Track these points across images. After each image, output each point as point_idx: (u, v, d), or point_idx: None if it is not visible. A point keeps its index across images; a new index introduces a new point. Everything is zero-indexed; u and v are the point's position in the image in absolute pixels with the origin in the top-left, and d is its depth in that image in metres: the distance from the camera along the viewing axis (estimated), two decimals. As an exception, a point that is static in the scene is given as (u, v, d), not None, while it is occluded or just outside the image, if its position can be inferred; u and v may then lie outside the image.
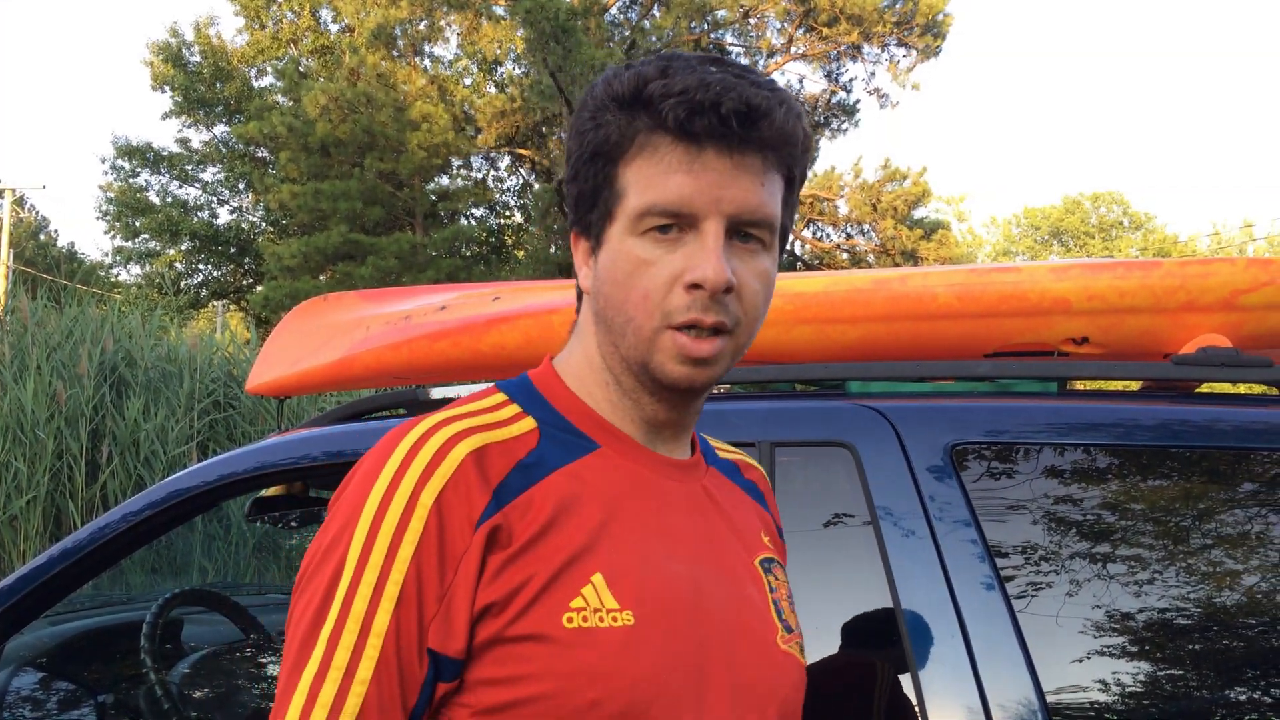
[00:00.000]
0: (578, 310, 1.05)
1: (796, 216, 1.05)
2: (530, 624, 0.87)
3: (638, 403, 0.99)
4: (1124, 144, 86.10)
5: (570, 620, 0.88)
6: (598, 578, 0.90)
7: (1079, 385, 2.42)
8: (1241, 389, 2.22)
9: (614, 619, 0.89)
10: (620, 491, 0.95)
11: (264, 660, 2.74)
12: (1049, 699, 1.46)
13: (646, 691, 0.89)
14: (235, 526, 6.89)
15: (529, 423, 0.96)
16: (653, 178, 0.91)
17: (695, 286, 0.90)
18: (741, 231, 0.93)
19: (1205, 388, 1.95)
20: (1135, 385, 2.08)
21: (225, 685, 2.61)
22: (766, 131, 0.91)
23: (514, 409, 0.97)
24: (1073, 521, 1.60)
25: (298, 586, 0.91)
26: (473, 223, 24.20)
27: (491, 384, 1.03)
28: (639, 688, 0.88)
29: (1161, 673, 1.53)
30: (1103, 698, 1.50)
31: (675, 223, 0.91)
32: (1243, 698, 1.51)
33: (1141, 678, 1.51)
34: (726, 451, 1.18)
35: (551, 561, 0.89)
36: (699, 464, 1.06)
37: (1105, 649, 1.52)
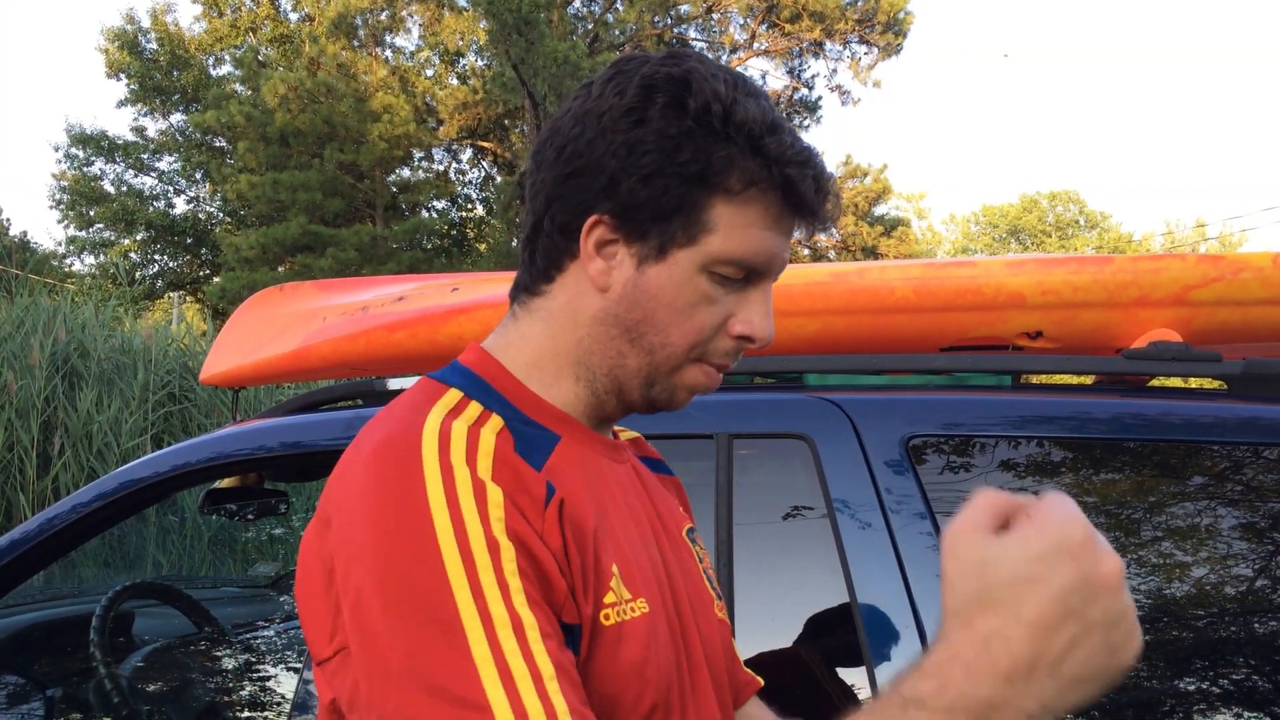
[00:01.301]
0: (530, 288, 0.98)
1: None
2: (588, 618, 0.83)
3: (602, 403, 0.97)
4: (1081, 143, 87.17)
5: (608, 618, 0.84)
6: (614, 568, 0.87)
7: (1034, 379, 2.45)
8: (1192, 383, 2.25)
9: (632, 610, 0.87)
10: (589, 480, 0.92)
11: (217, 654, 2.71)
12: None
13: (669, 680, 0.89)
14: (190, 520, 6.81)
15: (496, 420, 0.89)
16: (748, 230, 0.90)
17: (744, 338, 0.93)
18: None
19: (1156, 382, 1.97)
20: (1088, 379, 2.10)
21: (177, 679, 2.58)
22: (829, 214, 0.94)
23: (477, 406, 0.89)
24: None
25: (363, 611, 0.76)
26: (434, 215, 24.03)
27: (422, 376, 0.96)
28: (666, 677, 0.88)
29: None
30: None
31: (742, 276, 0.92)
32: (1191, 688, 1.53)
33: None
34: (622, 430, 1.17)
35: (591, 548, 0.85)
36: (624, 444, 1.05)
37: None
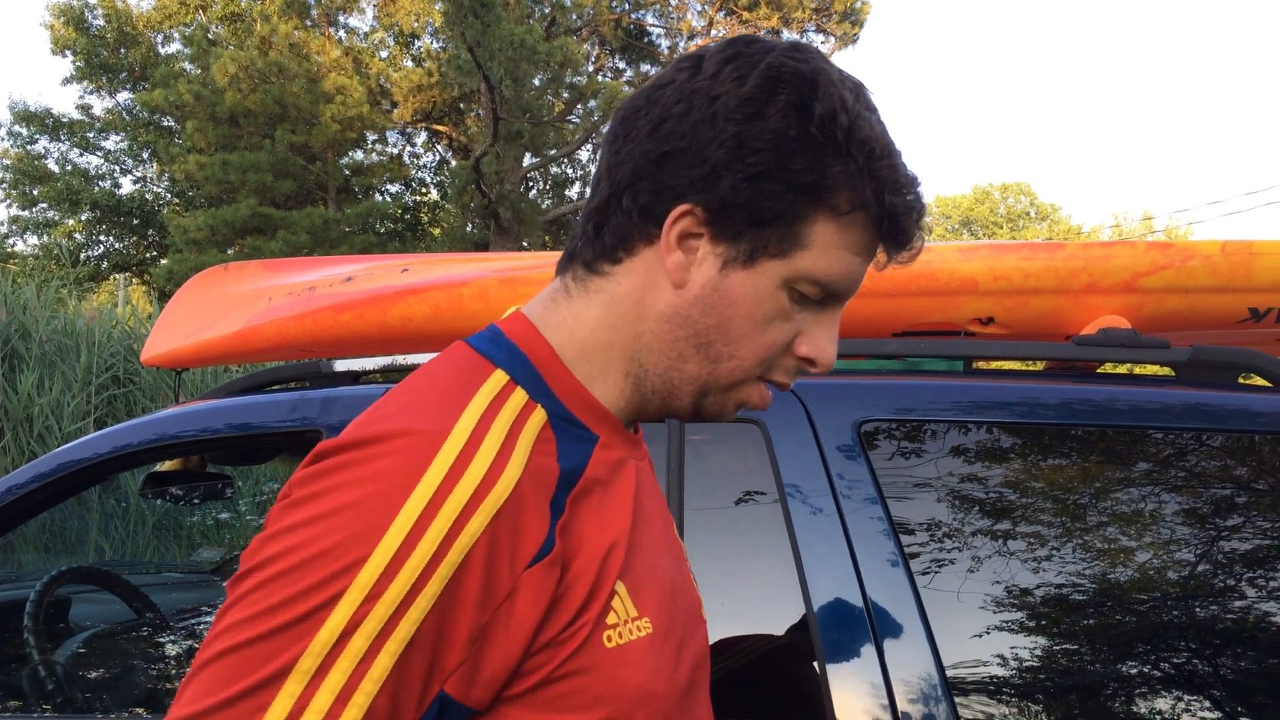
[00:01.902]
0: (591, 268, 0.90)
1: None
2: (581, 656, 0.78)
3: (646, 403, 0.91)
4: (1033, 136, 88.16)
5: (609, 639, 0.80)
6: (620, 586, 0.82)
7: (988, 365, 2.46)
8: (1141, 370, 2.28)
9: (638, 629, 0.82)
10: (616, 485, 0.87)
11: (157, 640, 2.66)
12: (949, 674, 1.48)
13: (671, 701, 0.84)
14: (134, 504, 6.69)
15: (541, 414, 0.83)
16: (841, 252, 0.85)
17: (808, 360, 0.89)
18: None
19: (1106, 368, 1.99)
20: (1039, 365, 2.12)
21: (115, 666, 2.53)
22: (920, 245, 0.90)
23: (522, 395, 0.83)
24: (976, 499, 1.62)
25: (254, 589, 0.72)
26: (388, 199, 23.79)
27: (460, 343, 0.89)
28: (667, 700, 0.83)
29: (1059, 647, 1.55)
30: (1001, 672, 1.52)
31: (824, 297, 0.87)
32: (1134, 671, 1.54)
33: (1039, 652, 1.54)
34: None
35: (591, 580, 0.80)
36: (641, 437, 0.99)
37: (1005, 624, 1.54)
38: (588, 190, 24.70)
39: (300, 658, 0.70)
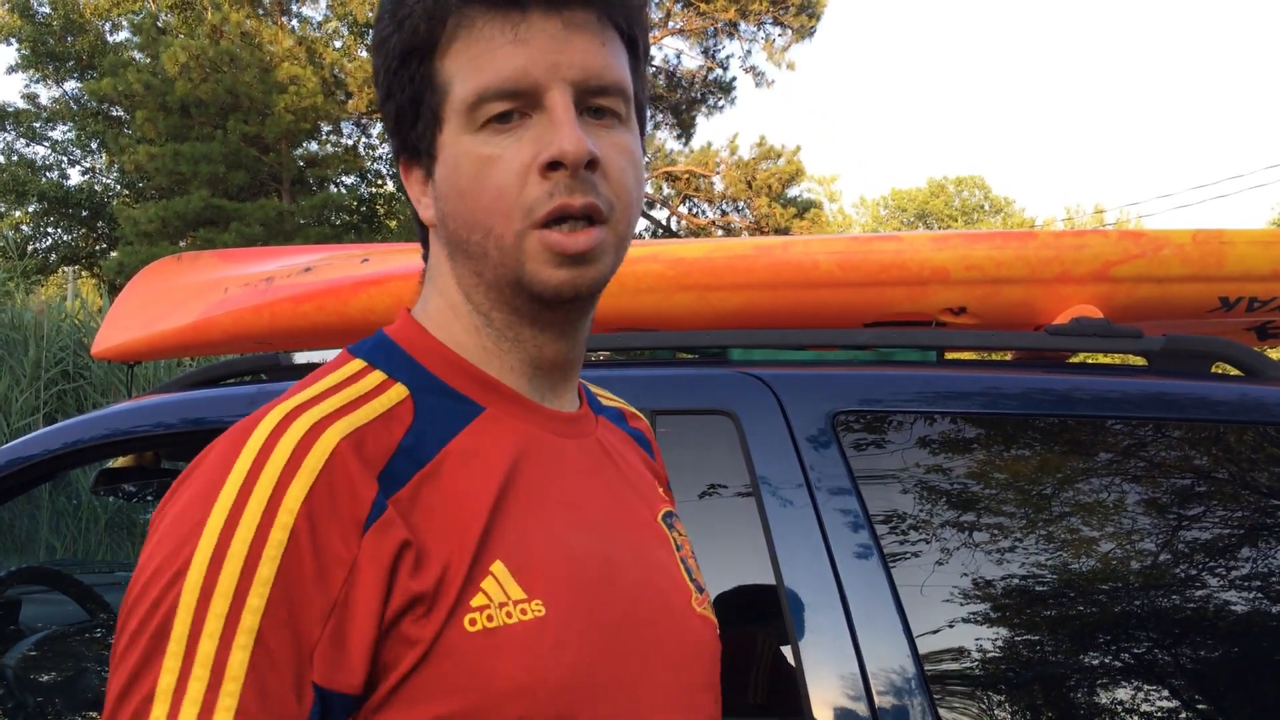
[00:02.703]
0: (425, 255, 0.92)
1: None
2: (439, 642, 0.73)
3: (518, 340, 0.86)
4: (986, 129, 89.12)
5: (473, 623, 0.74)
6: (498, 566, 0.76)
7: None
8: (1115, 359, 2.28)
9: (523, 612, 0.76)
10: (513, 459, 0.82)
11: (110, 642, 2.60)
12: (925, 664, 1.47)
13: (573, 695, 0.77)
14: (85, 502, 6.56)
15: (399, 390, 0.81)
16: (477, 59, 0.78)
17: (553, 166, 0.78)
18: (592, 106, 0.81)
19: (1080, 357, 1.99)
20: (1011, 355, 2.11)
21: (68, 668, 2.47)
22: None
23: (378, 376, 0.82)
24: (948, 489, 1.62)
25: (120, 631, 0.73)
26: (343, 190, 23.52)
27: (341, 349, 0.88)
28: (564, 693, 0.76)
29: (1032, 636, 1.55)
30: (977, 660, 1.52)
31: (515, 106, 0.79)
32: (1105, 660, 1.54)
33: (1014, 640, 1.54)
34: (609, 399, 1.07)
35: (450, 558, 0.75)
36: (589, 414, 0.94)
37: (980, 614, 1.54)
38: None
39: (159, 677, 0.69)
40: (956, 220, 46.93)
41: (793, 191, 24.96)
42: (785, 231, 23.03)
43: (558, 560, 0.80)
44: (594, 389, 1.05)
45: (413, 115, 0.83)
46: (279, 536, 0.70)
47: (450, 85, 0.80)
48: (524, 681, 0.74)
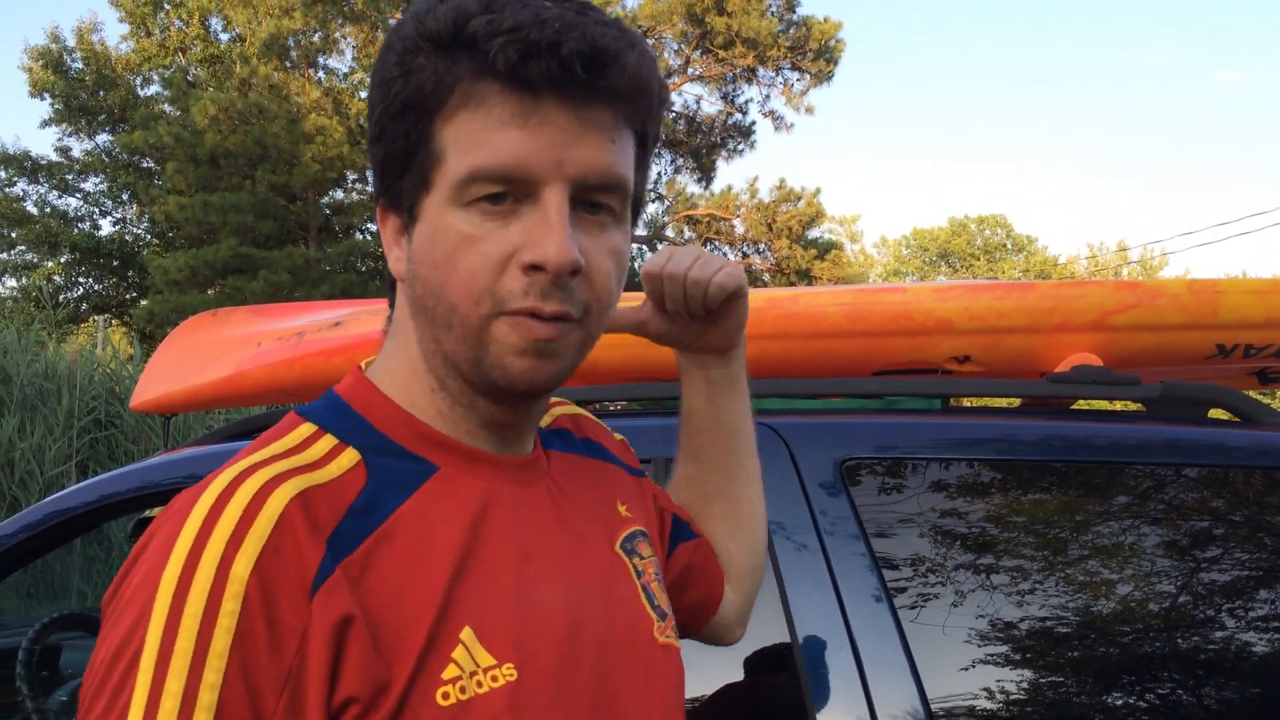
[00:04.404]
0: (391, 303, 0.88)
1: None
2: (405, 715, 0.70)
3: (471, 407, 0.83)
4: (1008, 168, 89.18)
5: (446, 696, 0.71)
6: (466, 633, 0.74)
7: (965, 402, 2.50)
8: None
9: (493, 679, 0.73)
10: (470, 518, 0.79)
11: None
12: (934, 707, 1.50)
13: None
14: (117, 548, 6.65)
15: (350, 455, 0.78)
16: (479, 135, 0.75)
17: (535, 268, 0.75)
18: (589, 200, 0.78)
19: (1082, 404, 2.03)
20: (1016, 402, 2.16)
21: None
22: (617, 79, 0.76)
23: (329, 441, 0.79)
24: (957, 534, 1.65)
25: (81, 714, 0.69)
26: (368, 237, 23.79)
27: (290, 409, 0.85)
28: None
29: (1042, 679, 1.58)
30: (986, 705, 1.55)
31: (509, 190, 0.75)
32: (1119, 703, 1.57)
33: (1023, 685, 1.56)
34: (548, 414, 1.02)
35: (412, 630, 0.72)
36: (540, 455, 0.91)
37: (988, 657, 1.57)
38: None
39: None
40: (978, 259, 46.80)
41: (814, 233, 25.06)
42: (806, 272, 23.05)
43: (525, 620, 0.78)
44: (566, 410, 1.06)
45: (400, 167, 0.79)
46: (231, 606, 0.67)
47: (445, 153, 0.76)
48: None
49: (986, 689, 1.55)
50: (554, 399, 1.01)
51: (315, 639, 0.69)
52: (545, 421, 1.01)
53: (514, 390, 0.80)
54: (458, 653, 0.73)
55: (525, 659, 0.76)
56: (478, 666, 0.73)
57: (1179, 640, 1.58)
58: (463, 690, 0.72)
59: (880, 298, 1.99)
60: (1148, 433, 1.72)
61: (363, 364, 0.89)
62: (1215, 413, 1.82)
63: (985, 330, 1.92)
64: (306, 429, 0.81)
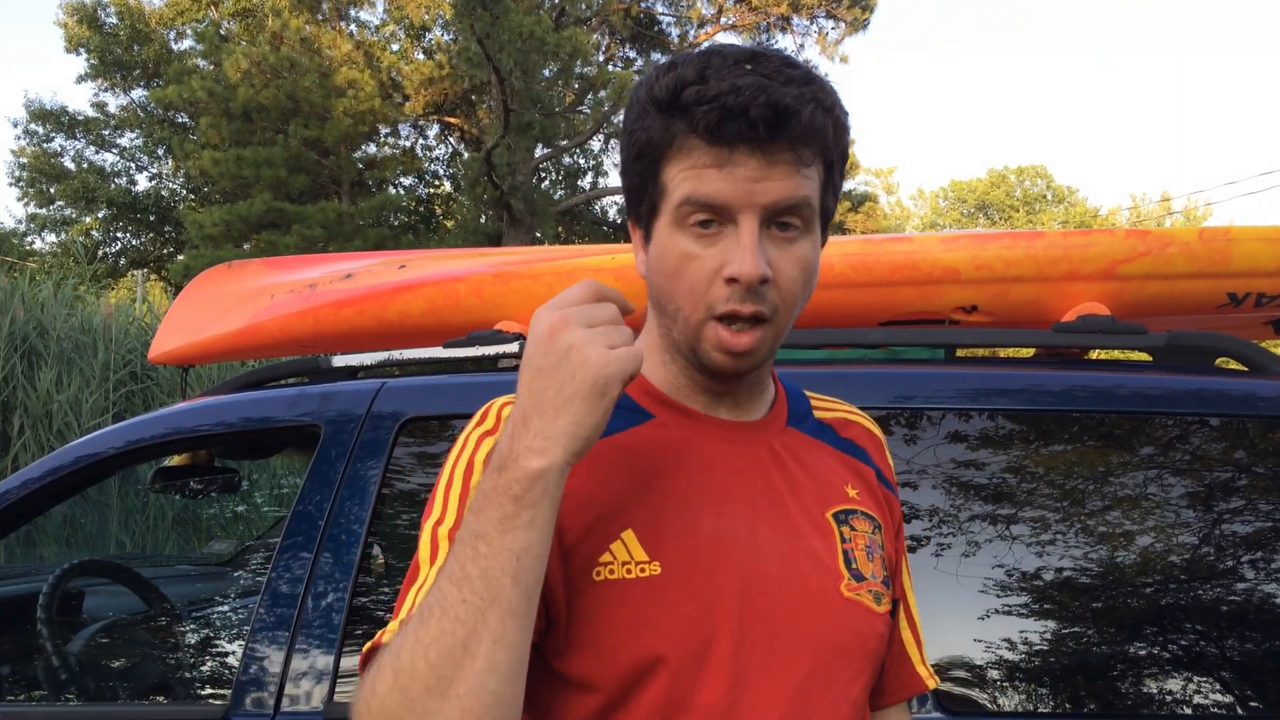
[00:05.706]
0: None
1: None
2: (576, 584, 0.95)
3: (693, 379, 1.07)
4: (1049, 119, 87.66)
5: (598, 574, 0.95)
6: (628, 534, 0.97)
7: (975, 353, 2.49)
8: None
9: (641, 570, 0.96)
10: (666, 455, 1.03)
11: (167, 631, 2.72)
12: (950, 657, 1.51)
13: (679, 640, 0.95)
14: (153, 499, 6.78)
15: None
16: (689, 175, 0.97)
17: (733, 280, 0.97)
18: (779, 221, 0.98)
19: (1100, 354, 2.02)
20: (1027, 352, 2.15)
21: (126, 656, 2.59)
22: (795, 131, 0.95)
23: None
24: (975, 485, 1.66)
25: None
26: (401, 191, 23.86)
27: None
28: (669, 636, 0.94)
29: (1063, 629, 1.60)
30: (1008, 656, 1.57)
31: (714, 218, 0.97)
32: (1142, 653, 1.58)
33: (1045, 635, 1.58)
34: (829, 411, 1.20)
35: (588, 518, 0.97)
36: (771, 424, 1.10)
37: (1005, 608, 1.59)
38: (599, 181, 24.56)
39: (433, 507, 1.00)
40: (1018, 210, 46.18)
41: (848, 185, 24.80)
42: (840, 225, 22.86)
43: (684, 534, 0.99)
44: (821, 401, 1.21)
45: (638, 197, 1.03)
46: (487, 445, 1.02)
47: (668, 188, 0.99)
48: (631, 620, 0.94)
49: (1007, 639, 1.57)
50: (856, 414, 1.22)
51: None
52: (822, 416, 1.19)
53: (720, 374, 1.03)
54: (615, 545, 0.97)
55: (672, 561, 0.97)
56: (631, 559, 0.96)
57: (1174, 612, 1.58)
58: (613, 572, 0.96)
59: (886, 248, 1.98)
60: (1161, 382, 1.71)
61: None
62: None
63: (992, 280, 1.90)
64: None
